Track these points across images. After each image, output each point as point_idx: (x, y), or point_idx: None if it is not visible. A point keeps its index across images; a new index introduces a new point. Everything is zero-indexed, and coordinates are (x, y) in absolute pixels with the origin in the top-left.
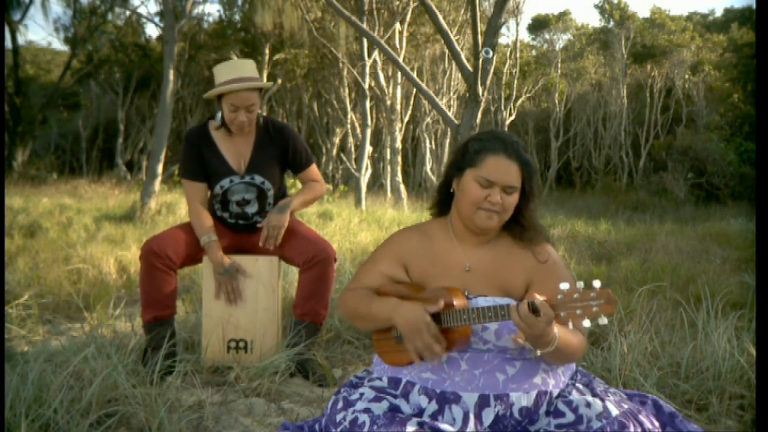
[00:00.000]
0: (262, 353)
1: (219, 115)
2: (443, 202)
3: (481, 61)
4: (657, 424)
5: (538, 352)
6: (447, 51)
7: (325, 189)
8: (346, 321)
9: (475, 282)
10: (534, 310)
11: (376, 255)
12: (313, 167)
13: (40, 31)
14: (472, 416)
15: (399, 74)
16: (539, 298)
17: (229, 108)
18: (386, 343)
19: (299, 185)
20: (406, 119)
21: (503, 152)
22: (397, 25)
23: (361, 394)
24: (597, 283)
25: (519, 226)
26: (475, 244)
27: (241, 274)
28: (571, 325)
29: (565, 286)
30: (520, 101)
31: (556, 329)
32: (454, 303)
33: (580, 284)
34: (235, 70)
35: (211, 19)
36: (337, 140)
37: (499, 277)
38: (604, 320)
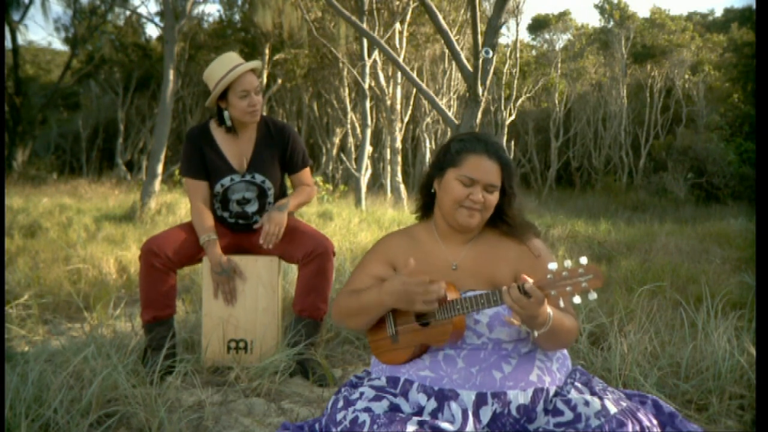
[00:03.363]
0: (262, 353)
1: (226, 115)
2: (426, 204)
3: (481, 61)
4: (655, 422)
5: (536, 333)
6: (447, 51)
7: (315, 194)
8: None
9: (462, 279)
10: (524, 292)
11: (366, 260)
12: (308, 171)
13: (40, 31)
14: (470, 414)
15: (399, 74)
16: (529, 280)
17: (240, 96)
18: (382, 343)
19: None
20: (406, 119)
21: (484, 152)
22: (397, 25)
23: (361, 394)
24: (584, 260)
25: (506, 225)
26: (460, 242)
27: (237, 276)
28: (561, 303)
29: (553, 266)
30: (520, 101)
31: (550, 309)
32: (447, 296)
33: (568, 262)
34: (226, 64)
35: (211, 19)
36: (337, 140)
37: (486, 272)
38: (593, 295)
